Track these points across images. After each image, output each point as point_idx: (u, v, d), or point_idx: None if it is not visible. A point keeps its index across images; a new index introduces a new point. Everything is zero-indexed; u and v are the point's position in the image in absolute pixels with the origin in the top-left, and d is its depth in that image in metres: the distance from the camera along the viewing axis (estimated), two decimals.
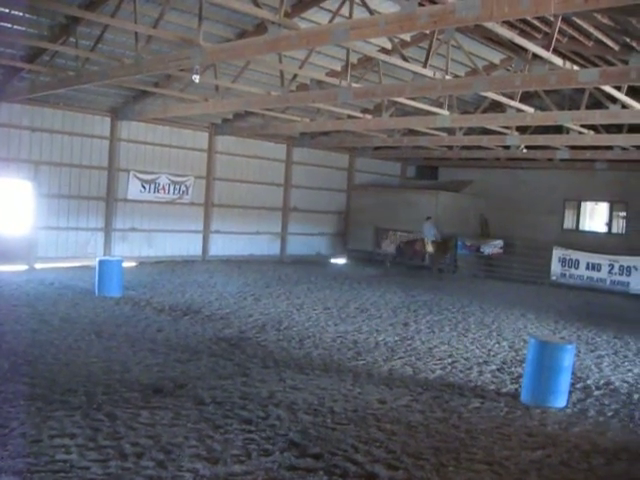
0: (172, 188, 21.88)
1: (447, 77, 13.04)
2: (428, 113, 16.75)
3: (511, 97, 14.80)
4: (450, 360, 10.94)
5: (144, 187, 21.18)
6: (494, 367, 10.63)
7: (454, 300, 17.64)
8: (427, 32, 13.12)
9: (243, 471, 5.86)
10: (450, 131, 20.14)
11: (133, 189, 20.95)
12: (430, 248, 23.59)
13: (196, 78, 12.71)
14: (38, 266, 18.59)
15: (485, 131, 19.89)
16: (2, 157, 18.08)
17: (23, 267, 18.24)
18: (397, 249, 25.56)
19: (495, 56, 17.14)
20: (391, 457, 6.44)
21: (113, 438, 6.41)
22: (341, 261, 27.31)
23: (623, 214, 25.13)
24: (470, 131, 20.39)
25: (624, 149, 19.91)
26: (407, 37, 15.33)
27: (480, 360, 11.06)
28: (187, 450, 6.23)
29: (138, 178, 20.99)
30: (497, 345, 12.40)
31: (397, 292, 18.47)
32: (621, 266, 21.05)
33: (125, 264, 15.77)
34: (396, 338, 12.40)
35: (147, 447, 6.24)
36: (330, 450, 6.47)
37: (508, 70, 17.05)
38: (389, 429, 7.26)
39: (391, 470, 6.13)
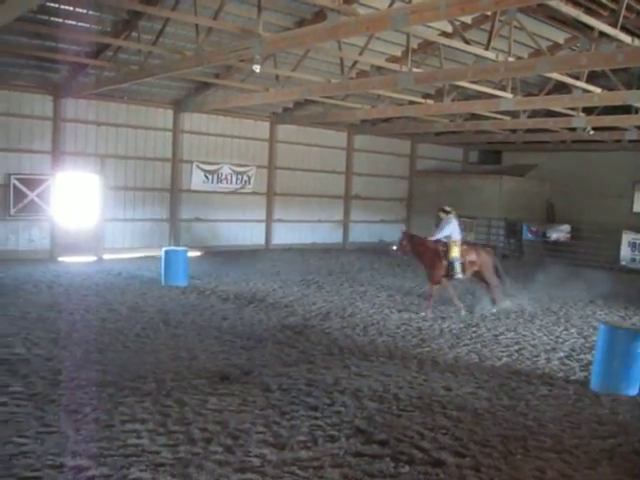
0: (234, 178, 22.11)
1: (510, 59, 12.77)
2: (491, 96, 16.45)
3: (577, 77, 14.41)
4: (517, 347, 10.78)
5: (207, 177, 21.46)
6: (562, 354, 10.43)
7: (520, 287, 17.32)
8: (489, 13, 12.87)
9: (309, 457, 5.91)
10: (514, 114, 19.74)
11: (196, 180, 21.25)
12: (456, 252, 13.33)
13: (257, 68, 12.76)
14: (106, 257, 19.06)
15: (550, 113, 19.39)
16: (70, 151, 18.59)
17: (92, 258, 18.73)
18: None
19: (559, 36, 16.68)
20: (458, 444, 6.40)
21: (182, 423, 6.55)
22: None
23: None
24: (534, 113, 19.95)
25: None
26: (468, 19, 15.06)
27: (548, 347, 10.87)
28: (254, 436, 6.33)
29: (201, 169, 21.28)
30: (565, 332, 12.15)
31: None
32: None
33: (190, 254, 16.02)
34: (461, 325, 12.27)
35: (215, 432, 6.35)
36: (396, 437, 6.47)
37: (573, 50, 16.59)
38: (455, 416, 7.21)
39: (458, 457, 6.09)
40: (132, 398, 7.23)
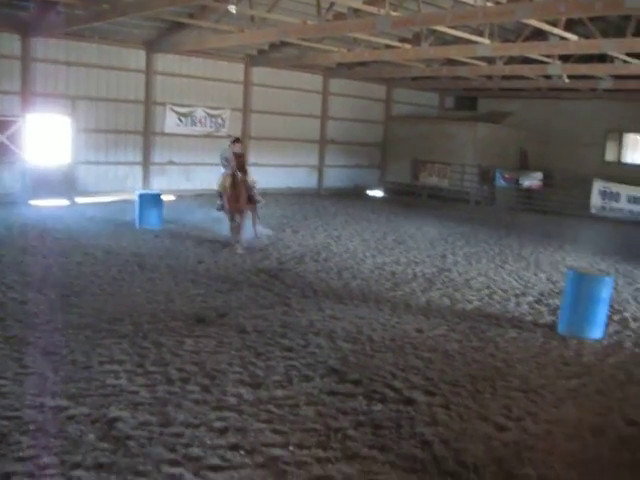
0: (208, 121, 21.89)
1: (488, 4, 12.71)
2: (468, 42, 16.38)
3: (554, 24, 14.38)
4: (487, 291, 11.01)
5: (181, 120, 21.22)
6: (531, 299, 10.68)
7: (492, 232, 17.60)
8: None
9: (285, 395, 6.08)
10: (490, 60, 19.69)
11: (170, 122, 21.01)
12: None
13: (232, 8, 12.59)
14: (79, 200, 18.89)
15: (526, 60, 19.40)
16: (40, 92, 18.20)
17: (64, 202, 18.56)
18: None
19: None
20: (428, 384, 6.61)
21: (160, 364, 6.66)
22: (378, 193, 27.25)
23: None
24: (511, 60, 19.90)
25: None
26: None
27: (517, 292, 11.12)
28: (231, 376, 6.47)
29: (174, 111, 21.02)
30: (535, 277, 12.42)
31: (434, 224, 18.46)
32: None
33: (164, 198, 15.94)
34: (434, 269, 12.48)
35: (192, 373, 6.48)
36: (369, 376, 6.65)
37: None
38: (426, 357, 7.42)
39: (428, 396, 6.30)
40: (109, 340, 7.31)
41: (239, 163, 13.27)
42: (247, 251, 12.96)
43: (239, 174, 13.16)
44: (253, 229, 14.10)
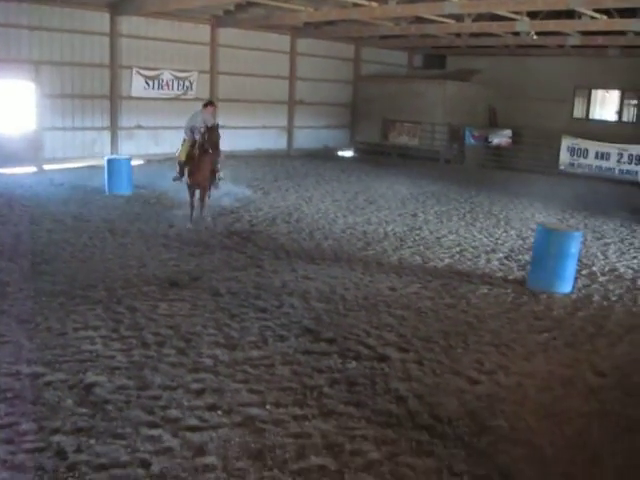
0: (176, 84, 21.57)
1: None
2: None
3: None
4: (458, 249, 11.13)
5: (148, 84, 20.89)
6: (502, 255, 10.84)
7: (462, 190, 17.70)
8: None
9: (260, 356, 6.14)
10: (458, 18, 19.57)
11: (137, 86, 20.65)
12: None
13: None
14: (46, 167, 18.58)
15: (494, 17, 19.31)
16: (2, 58, 17.72)
17: (31, 169, 18.24)
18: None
19: None
20: (402, 340, 6.72)
21: (135, 329, 6.68)
22: (348, 153, 27.19)
23: (634, 102, 24.73)
24: (479, 17, 19.78)
25: (638, 34, 19.34)
26: None
27: (488, 248, 11.26)
28: (206, 338, 6.52)
29: (141, 74, 20.65)
30: (505, 234, 12.57)
31: (405, 183, 18.51)
32: (630, 155, 20.84)
33: (133, 162, 15.75)
34: (405, 228, 12.57)
35: (168, 336, 6.51)
36: (343, 335, 6.74)
37: None
38: (399, 315, 7.52)
39: (402, 352, 6.41)
40: (83, 306, 7.29)
41: (211, 138, 11.47)
42: (212, 221, 12.32)
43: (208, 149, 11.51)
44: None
